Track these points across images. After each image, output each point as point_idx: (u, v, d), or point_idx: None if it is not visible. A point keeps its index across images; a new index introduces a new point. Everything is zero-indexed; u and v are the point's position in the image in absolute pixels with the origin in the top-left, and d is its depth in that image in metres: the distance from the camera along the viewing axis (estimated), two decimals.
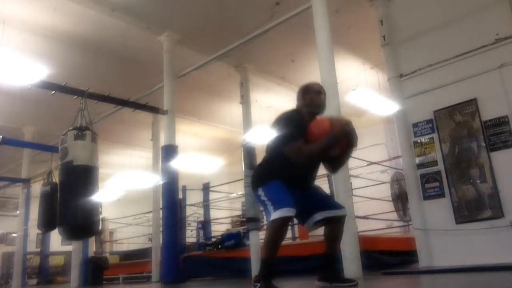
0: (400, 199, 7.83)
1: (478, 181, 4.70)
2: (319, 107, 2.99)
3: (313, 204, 2.89)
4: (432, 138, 5.11)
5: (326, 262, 2.98)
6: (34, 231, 10.70)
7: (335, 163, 3.02)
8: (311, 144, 2.74)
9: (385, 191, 8.33)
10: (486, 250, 4.43)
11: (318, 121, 2.92)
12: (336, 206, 2.98)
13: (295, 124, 2.80)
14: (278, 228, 2.66)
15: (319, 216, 2.86)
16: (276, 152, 2.86)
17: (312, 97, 2.98)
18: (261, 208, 2.95)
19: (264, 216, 2.85)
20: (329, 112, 3.32)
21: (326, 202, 2.98)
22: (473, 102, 4.84)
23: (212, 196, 10.16)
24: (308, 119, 2.90)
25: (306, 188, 2.93)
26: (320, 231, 3.04)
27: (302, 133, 2.77)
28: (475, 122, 4.80)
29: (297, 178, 2.85)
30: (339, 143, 2.74)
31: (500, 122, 4.64)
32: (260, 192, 2.82)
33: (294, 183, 2.80)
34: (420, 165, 5.16)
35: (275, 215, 2.63)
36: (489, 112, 4.72)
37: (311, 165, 2.96)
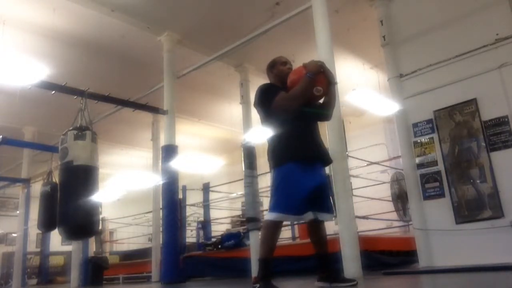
0: (400, 199, 7.83)
1: (478, 181, 4.70)
2: (287, 75, 3.08)
3: (318, 201, 2.87)
4: (432, 138, 5.11)
5: (320, 263, 3.00)
6: (34, 231, 10.70)
7: (325, 106, 3.11)
8: (293, 88, 2.90)
9: (385, 191, 8.32)
10: (486, 250, 4.43)
11: (293, 70, 3.10)
12: (329, 210, 2.97)
13: (272, 88, 3.01)
14: (270, 229, 2.77)
15: (313, 215, 2.87)
16: (275, 129, 2.94)
17: (279, 68, 3.17)
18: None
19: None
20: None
21: (326, 203, 2.97)
22: (473, 102, 4.84)
23: (212, 196, 10.16)
24: (282, 89, 3.00)
25: (320, 170, 2.94)
26: None
27: (280, 91, 2.94)
28: (475, 122, 4.80)
29: (307, 145, 2.89)
30: (318, 81, 2.87)
31: (500, 122, 4.64)
32: (273, 174, 2.88)
33: (307, 157, 2.84)
34: (420, 165, 5.16)
35: (269, 216, 2.74)
36: (489, 112, 4.73)
37: (308, 118, 3.00)
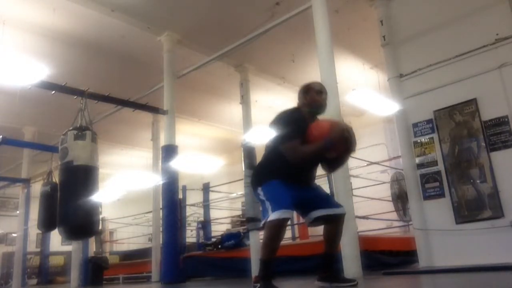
0: (400, 199, 7.83)
1: (478, 181, 4.70)
2: (320, 106, 2.99)
3: (313, 201, 2.90)
4: (432, 138, 5.11)
5: (325, 261, 2.99)
6: (34, 231, 10.71)
7: (332, 165, 3.04)
8: (308, 145, 2.76)
9: (385, 191, 8.33)
10: (486, 250, 4.43)
11: (318, 123, 2.94)
12: (336, 205, 2.98)
13: (294, 123, 2.82)
14: (276, 228, 2.68)
15: (318, 213, 2.87)
16: (275, 150, 2.87)
17: (313, 97, 2.98)
18: (260, 208, 2.96)
19: (262, 215, 2.85)
20: (329, 111, 3.32)
21: (326, 200, 2.98)
22: (473, 102, 4.84)
23: (212, 196, 10.15)
24: (309, 118, 2.91)
25: (306, 187, 2.93)
26: (320, 230, 3.04)
27: (301, 132, 2.79)
28: (475, 122, 4.80)
29: (296, 177, 2.85)
30: (336, 147, 2.76)
31: (500, 122, 4.64)
32: (260, 191, 2.83)
33: (293, 181, 2.80)
34: (420, 165, 5.16)
35: (273, 216, 2.65)
36: (489, 112, 4.73)
37: (310, 165, 2.96)
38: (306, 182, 2.96)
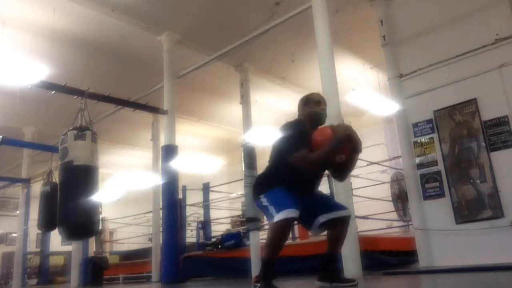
0: (400, 199, 7.82)
1: (478, 181, 4.70)
2: (320, 117, 2.99)
3: (316, 207, 2.89)
4: (432, 138, 5.11)
5: (325, 261, 2.99)
6: (34, 231, 10.71)
7: (341, 170, 3.02)
8: (317, 151, 2.76)
9: (385, 191, 8.32)
10: (486, 250, 4.43)
11: (320, 129, 2.94)
12: (340, 207, 2.98)
13: (299, 134, 2.81)
14: (281, 229, 2.66)
15: (323, 218, 2.87)
16: (279, 161, 2.86)
17: (312, 108, 2.99)
18: (263, 214, 2.95)
19: (266, 219, 2.85)
20: (329, 111, 3.32)
21: (329, 204, 2.98)
22: (473, 102, 4.84)
23: (212, 196, 10.15)
24: (310, 130, 2.91)
25: (308, 198, 2.91)
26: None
27: (306, 142, 2.79)
28: (475, 122, 4.80)
29: (300, 186, 2.84)
30: (343, 149, 2.75)
31: (500, 122, 4.64)
32: (262, 199, 2.82)
33: (297, 190, 2.79)
34: (420, 165, 5.16)
35: (278, 217, 2.63)
36: (489, 112, 4.72)
37: (316, 174, 2.96)
38: (309, 193, 2.95)
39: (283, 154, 2.83)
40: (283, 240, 2.72)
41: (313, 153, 2.75)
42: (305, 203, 2.80)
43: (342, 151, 2.75)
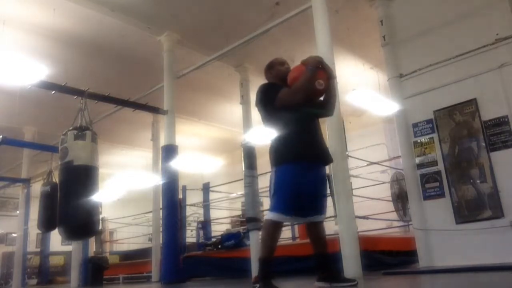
0: (400, 199, 7.82)
1: (478, 181, 4.69)
2: (287, 75, 3.09)
3: (310, 204, 2.90)
4: (432, 138, 5.11)
5: (319, 262, 3.00)
6: (34, 231, 10.71)
7: (327, 102, 3.13)
8: (295, 83, 2.92)
9: (385, 191, 8.32)
10: (486, 250, 4.43)
11: (292, 68, 3.14)
12: (319, 211, 2.97)
13: (273, 86, 3.04)
14: (271, 229, 2.79)
15: (304, 220, 2.96)
16: (275, 124, 2.96)
17: (277, 69, 3.19)
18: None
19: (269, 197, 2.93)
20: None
21: (316, 206, 2.97)
22: (473, 102, 4.83)
23: (212, 196, 10.15)
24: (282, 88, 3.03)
25: (322, 165, 2.99)
26: None
27: (282, 87, 2.98)
28: (475, 122, 4.80)
29: (307, 145, 2.89)
30: (319, 75, 2.90)
31: (500, 122, 4.63)
32: (273, 173, 2.89)
33: (308, 155, 2.85)
34: (420, 165, 5.15)
35: (269, 215, 2.76)
36: (489, 112, 4.72)
37: (311, 119, 3.03)
38: (319, 151, 2.98)
39: (273, 109, 2.93)
40: (274, 239, 2.80)
41: (293, 86, 2.93)
42: (314, 183, 2.86)
43: (319, 76, 2.91)
